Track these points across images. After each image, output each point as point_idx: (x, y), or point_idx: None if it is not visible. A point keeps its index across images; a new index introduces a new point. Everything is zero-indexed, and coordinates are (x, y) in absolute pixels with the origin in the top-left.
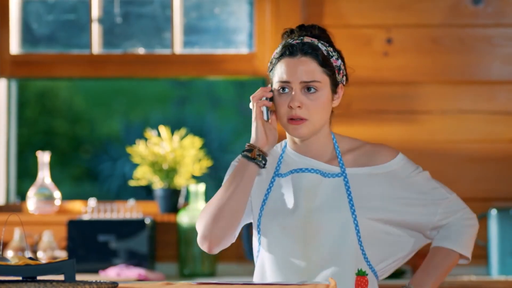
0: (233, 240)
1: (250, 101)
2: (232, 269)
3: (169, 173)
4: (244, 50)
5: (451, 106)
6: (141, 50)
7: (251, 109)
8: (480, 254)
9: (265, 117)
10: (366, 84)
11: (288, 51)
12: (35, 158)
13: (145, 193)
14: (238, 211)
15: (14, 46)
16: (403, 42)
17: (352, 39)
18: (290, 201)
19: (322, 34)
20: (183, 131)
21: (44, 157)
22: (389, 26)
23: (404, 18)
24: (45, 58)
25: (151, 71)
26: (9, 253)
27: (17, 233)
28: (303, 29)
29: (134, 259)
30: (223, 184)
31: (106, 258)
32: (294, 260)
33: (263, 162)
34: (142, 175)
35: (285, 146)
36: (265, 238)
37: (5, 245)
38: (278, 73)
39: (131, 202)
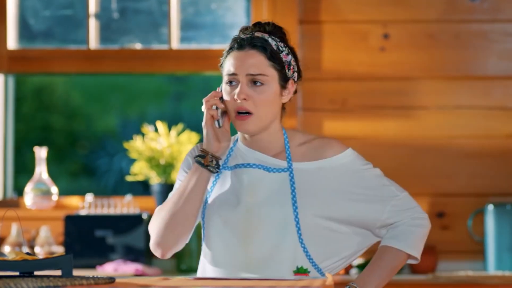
0: (186, 242)
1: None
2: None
3: (166, 168)
4: None
5: (447, 102)
6: (138, 46)
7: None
8: (477, 249)
9: (216, 125)
10: (362, 80)
11: (237, 44)
12: (32, 153)
13: (142, 188)
14: (191, 218)
15: (11, 42)
16: (400, 38)
17: (348, 35)
18: (232, 195)
19: (276, 30)
20: (180, 126)
21: (41, 153)
22: (385, 22)
23: (401, 14)
24: (42, 53)
25: (148, 66)
26: (7, 249)
27: (14, 228)
28: (257, 25)
29: (131, 255)
30: (175, 187)
31: (103, 254)
32: (234, 255)
33: (216, 167)
34: (139, 171)
35: (237, 140)
36: (207, 230)
37: (2, 240)
38: (227, 66)
39: (128, 197)
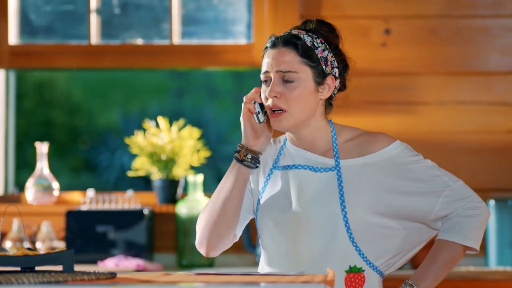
0: (234, 241)
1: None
2: (231, 260)
3: (168, 163)
4: (242, 41)
5: (449, 97)
6: (139, 41)
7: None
8: None
9: (256, 120)
10: (364, 75)
11: (272, 43)
12: (34, 149)
13: (144, 183)
14: (231, 215)
15: (12, 37)
16: (401, 33)
17: (350, 30)
18: (282, 197)
19: (319, 27)
20: (181, 121)
21: (42, 148)
22: (387, 17)
23: (402, 9)
24: (43, 49)
25: (149, 62)
26: (8, 244)
27: (15, 223)
28: (303, 23)
29: (132, 250)
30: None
31: (104, 249)
32: (286, 256)
33: (253, 162)
34: (141, 166)
35: (286, 138)
36: (260, 232)
37: (3, 235)
38: (263, 65)
39: (130, 192)
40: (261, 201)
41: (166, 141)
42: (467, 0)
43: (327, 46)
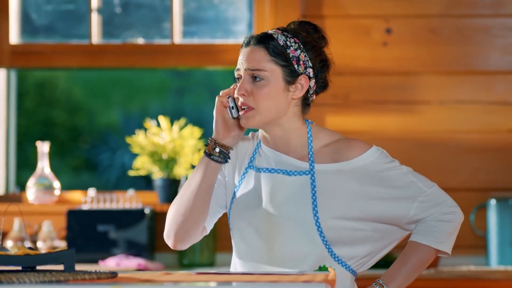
0: (204, 235)
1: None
2: (231, 259)
3: (169, 163)
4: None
5: (449, 97)
6: (140, 40)
7: None
8: (479, 244)
9: (230, 116)
10: (364, 74)
11: (246, 41)
12: (35, 148)
13: (145, 183)
14: (199, 209)
15: (14, 36)
16: (402, 33)
17: (351, 29)
18: (255, 198)
19: (298, 28)
20: (182, 121)
21: (43, 147)
22: (387, 17)
23: (403, 9)
24: (44, 48)
25: (150, 61)
26: (9, 243)
27: (16, 223)
28: (289, 24)
29: (133, 249)
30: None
31: (105, 248)
32: (258, 258)
33: (221, 156)
34: (142, 165)
35: (260, 140)
36: (232, 229)
37: (4, 235)
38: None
39: (131, 192)
40: (234, 200)
41: (167, 141)
42: (467, 0)
43: (301, 46)
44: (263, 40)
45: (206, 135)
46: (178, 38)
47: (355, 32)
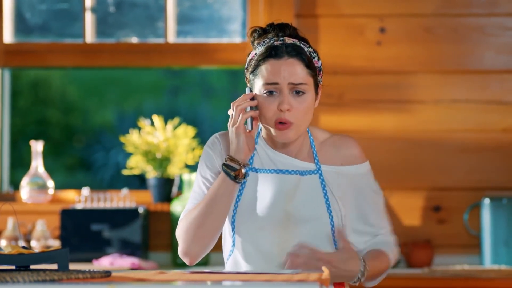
0: (212, 247)
1: (241, 95)
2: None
3: (163, 162)
4: (237, 40)
5: (444, 96)
6: (134, 40)
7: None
8: (473, 243)
9: (249, 127)
10: (359, 74)
11: (274, 52)
12: (29, 147)
13: (139, 182)
14: (218, 227)
15: (7, 35)
16: (396, 32)
17: (345, 29)
18: (267, 201)
19: (297, 34)
20: (176, 120)
21: (37, 147)
22: (382, 16)
23: (397, 8)
24: (38, 47)
25: (144, 60)
26: (3, 242)
27: (10, 222)
28: (277, 28)
29: (127, 248)
30: (197, 182)
31: (99, 247)
32: (269, 262)
33: (245, 177)
34: (136, 164)
35: (257, 137)
36: (239, 236)
37: None
38: (264, 75)
39: (125, 191)
40: (240, 204)
41: (161, 140)
42: None
43: (318, 55)
44: (298, 52)
45: (200, 134)
46: (172, 37)
47: (350, 31)
